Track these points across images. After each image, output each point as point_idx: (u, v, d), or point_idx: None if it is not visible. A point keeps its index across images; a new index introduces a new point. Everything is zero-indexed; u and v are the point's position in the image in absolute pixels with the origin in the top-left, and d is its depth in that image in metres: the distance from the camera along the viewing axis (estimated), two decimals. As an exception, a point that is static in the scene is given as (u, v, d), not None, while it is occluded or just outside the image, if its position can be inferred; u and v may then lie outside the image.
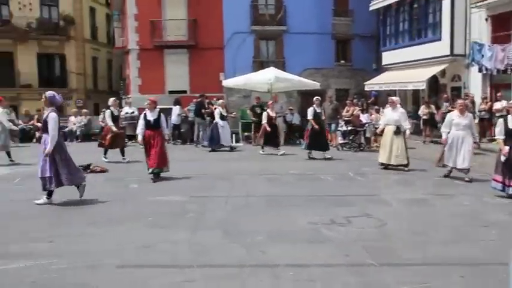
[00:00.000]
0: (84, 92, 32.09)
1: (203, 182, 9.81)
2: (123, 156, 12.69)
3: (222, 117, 15.92)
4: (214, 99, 18.53)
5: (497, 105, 15.60)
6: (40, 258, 4.93)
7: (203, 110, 17.44)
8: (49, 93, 7.73)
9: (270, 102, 15.66)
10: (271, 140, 14.88)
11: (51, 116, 7.42)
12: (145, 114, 10.02)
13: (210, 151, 15.59)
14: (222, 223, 6.40)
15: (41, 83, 30.61)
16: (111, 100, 13.52)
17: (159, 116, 9.94)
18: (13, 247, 5.36)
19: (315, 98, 13.95)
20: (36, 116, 20.88)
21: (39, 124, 20.77)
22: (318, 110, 13.62)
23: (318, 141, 13.48)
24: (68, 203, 7.70)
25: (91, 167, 10.92)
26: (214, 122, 15.95)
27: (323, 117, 14.21)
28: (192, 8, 25.30)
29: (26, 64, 30.20)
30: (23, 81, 29.99)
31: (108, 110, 13.02)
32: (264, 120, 14.76)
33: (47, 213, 7.12)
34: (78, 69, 31.86)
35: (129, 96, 23.92)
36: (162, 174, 9.95)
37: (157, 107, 10.29)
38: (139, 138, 9.94)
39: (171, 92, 24.32)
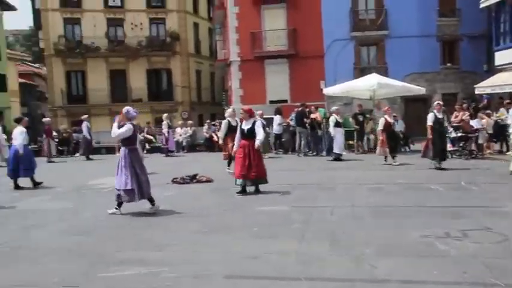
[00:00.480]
0: (189, 104, 33.54)
1: (307, 191, 9.70)
2: (229, 167, 12.69)
3: (337, 124, 15.70)
4: (313, 107, 18.39)
5: None
6: (152, 266, 5.10)
7: (304, 119, 17.38)
8: (124, 109, 8.10)
9: (387, 107, 15.09)
10: (393, 147, 14.16)
11: (127, 127, 7.81)
12: (240, 124, 9.88)
13: (332, 160, 15.50)
14: (329, 234, 6.23)
15: (150, 97, 32.62)
16: (229, 111, 13.24)
17: (253, 125, 9.55)
18: (128, 254, 5.62)
19: (435, 103, 13.08)
20: (146, 129, 22.09)
21: (149, 136, 22.07)
22: (439, 116, 12.59)
23: (439, 149, 12.54)
24: (174, 212, 7.97)
25: (197, 177, 11.27)
26: (329, 130, 15.89)
27: (445, 124, 13.33)
28: (291, 18, 25.48)
29: (137, 80, 32.29)
30: (135, 96, 32.05)
31: (225, 121, 12.79)
32: (380, 127, 14.22)
33: (157, 222, 7.40)
34: (183, 83, 33.40)
35: (231, 107, 24.55)
36: (265, 185, 9.89)
37: (254, 116, 10.08)
38: (234, 148, 9.91)
39: (272, 102, 24.62)
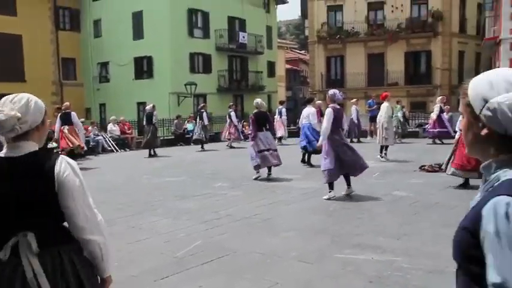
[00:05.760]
0: (448, 87, 31.49)
1: None
2: None
3: None
4: None
5: None
6: (386, 254, 5.01)
7: None
8: (330, 91, 8.14)
9: None
10: None
11: (327, 111, 7.79)
12: None
13: None
14: None
15: (406, 81, 31.82)
16: None
17: None
18: (364, 239, 5.64)
19: None
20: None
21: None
22: None
23: None
24: (416, 200, 7.64)
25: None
26: None
27: None
28: None
29: (394, 63, 31.80)
30: (391, 80, 31.67)
31: None
32: None
33: (396, 209, 7.21)
34: (443, 65, 31.49)
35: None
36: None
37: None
38: None
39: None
